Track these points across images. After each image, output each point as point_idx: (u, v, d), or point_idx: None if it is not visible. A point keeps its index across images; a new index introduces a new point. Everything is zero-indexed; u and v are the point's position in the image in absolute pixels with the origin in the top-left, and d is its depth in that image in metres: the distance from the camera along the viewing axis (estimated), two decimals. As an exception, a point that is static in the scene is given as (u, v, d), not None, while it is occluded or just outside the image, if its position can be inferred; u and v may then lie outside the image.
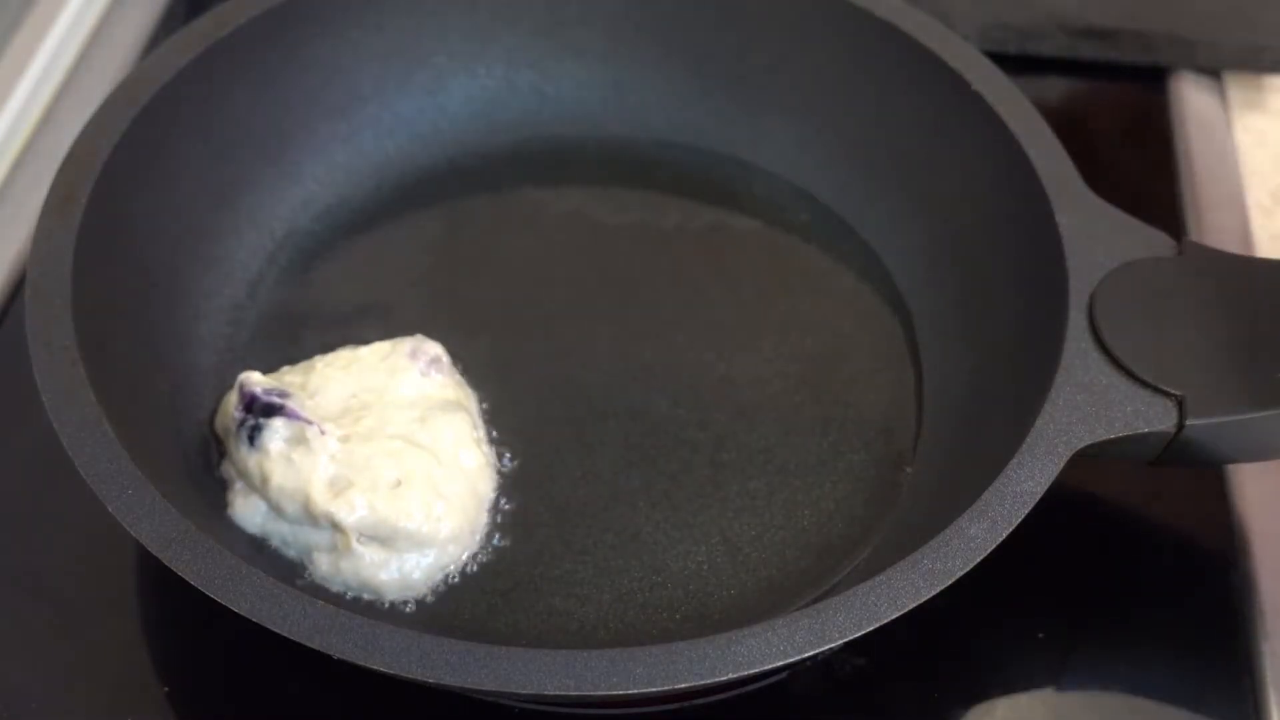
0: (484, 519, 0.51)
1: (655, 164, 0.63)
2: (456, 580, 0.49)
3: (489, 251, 0.60)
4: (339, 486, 0.48)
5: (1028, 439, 0.45)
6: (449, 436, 0.51)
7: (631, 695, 0.40)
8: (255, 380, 0.50)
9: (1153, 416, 0.46)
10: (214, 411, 0.52)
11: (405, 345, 0.53)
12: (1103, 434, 0.46)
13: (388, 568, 0.48)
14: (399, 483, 0.49)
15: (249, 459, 0.49)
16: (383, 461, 0.49)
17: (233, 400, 0.50)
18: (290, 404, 0.49)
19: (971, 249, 0.56)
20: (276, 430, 0.49)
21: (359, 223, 0.60)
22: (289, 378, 0.52)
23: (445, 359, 0.54)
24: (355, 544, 0.48)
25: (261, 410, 0.49)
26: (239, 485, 0.50)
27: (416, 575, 0.49)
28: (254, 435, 0.49)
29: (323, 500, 0.48)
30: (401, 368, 0.52)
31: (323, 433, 0.49)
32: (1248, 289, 0.49)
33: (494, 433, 0.53)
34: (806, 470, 0.53)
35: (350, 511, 0.48)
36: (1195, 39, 0.69)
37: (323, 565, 0.49)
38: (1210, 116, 0.68)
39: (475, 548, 0.50)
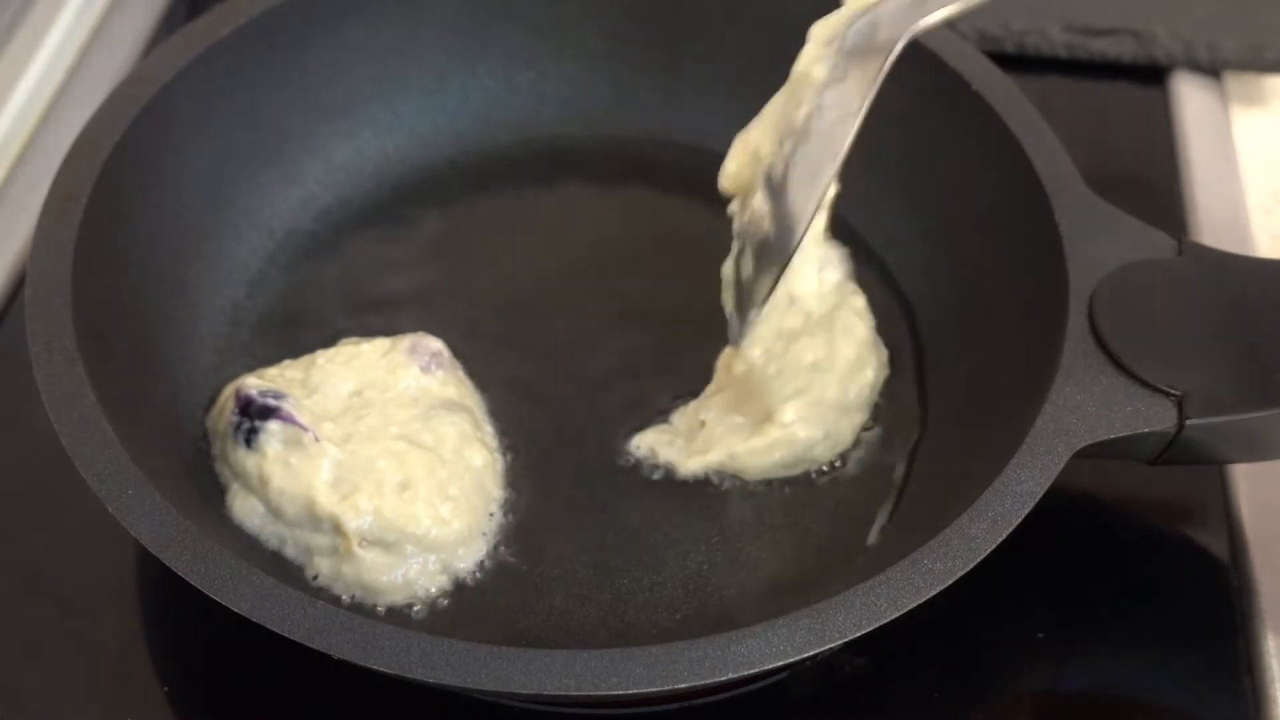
0: (494, 519, 0.51)
1: (655, 164, 0.63)
2: (457, 581, 0.49)
3: (489, 251, 0.60)
4: (344, 490, 0.48)
5: (1028, 439, 0.45)
6: (452, 435, 0.51)
7: (631, 695, 0.40)
8: (250, 383, 0.50)
9: (1153, 416, 0.46)
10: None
11: (405, 341, 0.53)
12: (1103, 434, 0.46)
13: (390, 571, 0.48)
14: (404, 486, 0.49)
15: (247, 461, 0.49)
16: (387, 463, 0.49)
17: (229, 404, 0.50)
18: (286, 406, 0.49)
19: (971, 249, 0.56)
20: (273, 433, 0.49)
21: (359, 223, 0.60)
22: (290, 373, 0.52)
23: (446, 354, 0.54)
24: (356, 548, 0.48)
25: (258, 413, 0.49)
26: (235, 486, 0.50)
27: (420, 578, 0.49)
28: (250, 438, 0.49)
29: (328, 502, 0.48)
30: (401, 363, 0.52)
31: (317, 439, 0.49)
32: (1248, 289, 0.49)
33: (494, 432, 0.53)
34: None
35: (356, 516, 0.48)
36: (1195, 39, 0.69)
37: (323, 568, 0.49)
38: (1210, 116, 0.68)
39: (484, 549, 0.50)
